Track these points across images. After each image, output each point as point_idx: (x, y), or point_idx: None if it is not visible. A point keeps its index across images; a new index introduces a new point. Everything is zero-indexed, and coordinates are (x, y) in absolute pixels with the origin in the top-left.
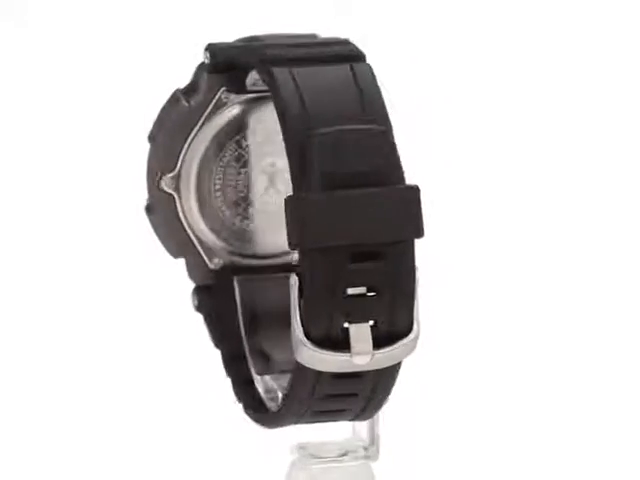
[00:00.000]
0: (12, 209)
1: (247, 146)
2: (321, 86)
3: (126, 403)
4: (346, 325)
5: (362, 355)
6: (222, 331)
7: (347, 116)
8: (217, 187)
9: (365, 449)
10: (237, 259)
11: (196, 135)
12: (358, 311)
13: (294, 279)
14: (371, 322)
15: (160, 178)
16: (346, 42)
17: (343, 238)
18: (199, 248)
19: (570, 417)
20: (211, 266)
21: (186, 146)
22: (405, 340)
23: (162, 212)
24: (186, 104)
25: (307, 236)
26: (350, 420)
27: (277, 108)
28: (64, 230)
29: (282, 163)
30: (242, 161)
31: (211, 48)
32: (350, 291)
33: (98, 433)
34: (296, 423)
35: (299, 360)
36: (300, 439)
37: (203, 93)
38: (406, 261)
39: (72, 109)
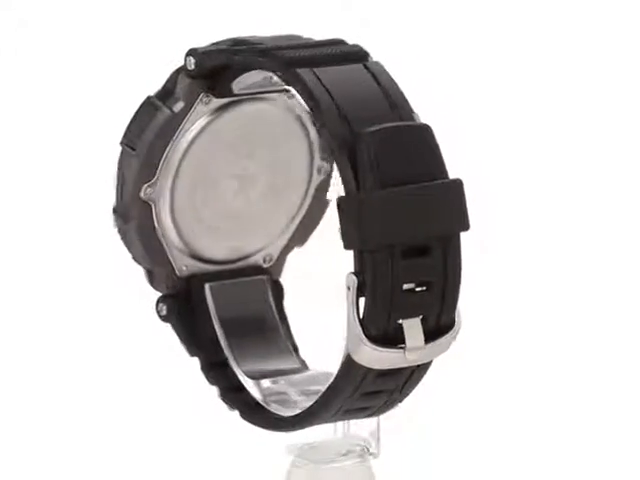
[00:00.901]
0: None
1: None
2: (346, 85)
3: (124, 405)
4: (399, 321)
5: (415, 350)
6: (196, 339)
7: (380, 114)
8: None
9: (365, 449)
10: (206, 265)
11: (174, 142)
12: (413, 307)
13: (352, 279)
14: (420, 317)
15: (139, 187)
16: (343, 42)
17: (400, 235)
18: (169, 256)
19: (565, 412)
20: (180, 274)
21: (165, 155)
22: (450, 333)
23: (136, 221)
24: (168, 111)
25: (367, 236)
26: (370, 416)
27: (314, 110)
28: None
29: (255, 167)
30: None
31: (195, 53)
32: (405, 287)
33: (97, 439)
34: (322, 423)
35: (357, 359)
36: (300, 439)
37: (184, 99)
38: (455, 254)
39: (70, 109)
